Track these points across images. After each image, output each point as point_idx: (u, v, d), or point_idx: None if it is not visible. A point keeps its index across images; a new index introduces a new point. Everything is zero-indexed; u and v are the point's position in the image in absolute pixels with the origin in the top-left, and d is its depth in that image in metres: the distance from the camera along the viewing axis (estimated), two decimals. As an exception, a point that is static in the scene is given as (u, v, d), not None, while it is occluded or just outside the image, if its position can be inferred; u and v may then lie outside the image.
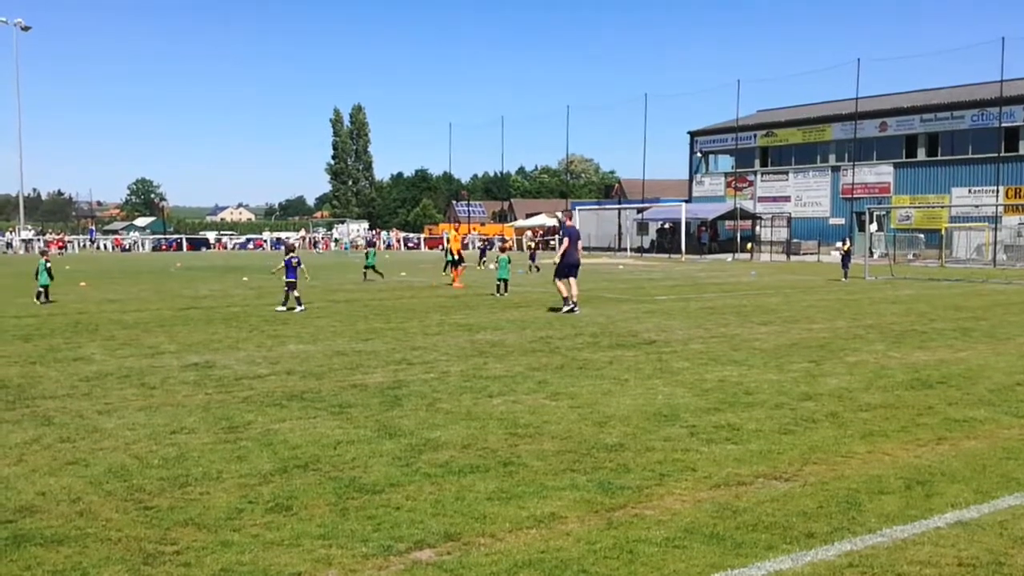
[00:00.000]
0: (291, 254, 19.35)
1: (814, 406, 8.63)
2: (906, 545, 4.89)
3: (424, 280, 30.50)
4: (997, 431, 7.64)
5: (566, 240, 18.67)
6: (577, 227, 20.14)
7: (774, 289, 25.77)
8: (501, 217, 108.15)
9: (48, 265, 21.29)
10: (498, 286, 22.89)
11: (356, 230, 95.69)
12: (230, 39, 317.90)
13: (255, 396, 9.13)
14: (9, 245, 75.86)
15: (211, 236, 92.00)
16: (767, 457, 6.73)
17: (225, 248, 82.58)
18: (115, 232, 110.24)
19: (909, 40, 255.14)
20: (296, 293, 18.76)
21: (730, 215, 60.46)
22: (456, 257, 28.16)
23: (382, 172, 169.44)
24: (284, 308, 18.52)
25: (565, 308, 18.01)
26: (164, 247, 78.99)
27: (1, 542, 4.92)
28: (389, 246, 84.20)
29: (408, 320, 16.70)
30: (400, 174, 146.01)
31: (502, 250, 24.71)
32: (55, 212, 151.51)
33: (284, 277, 18.96)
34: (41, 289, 20.89)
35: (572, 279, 18.28)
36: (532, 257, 38.08)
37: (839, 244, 37.82)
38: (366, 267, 30.75)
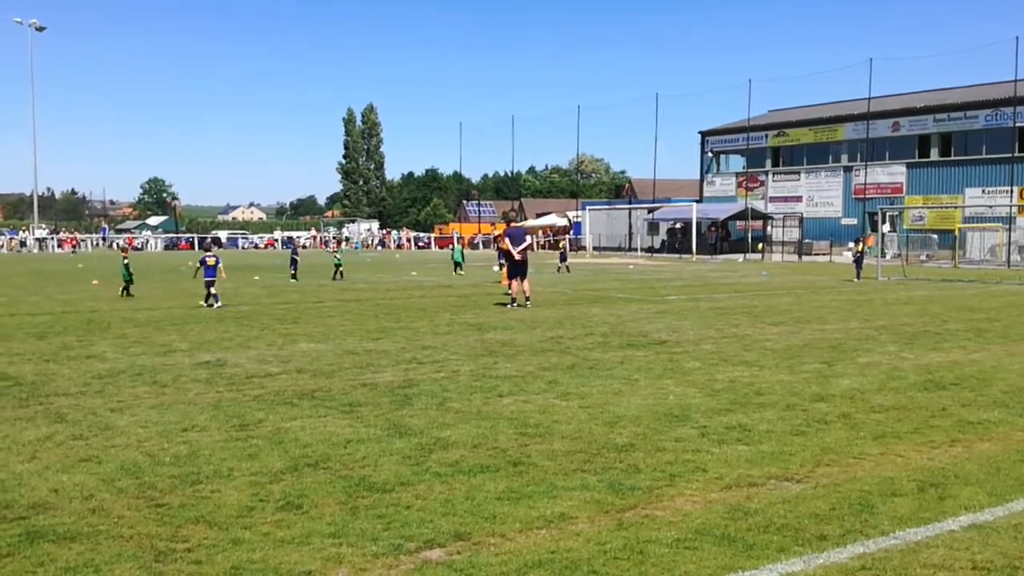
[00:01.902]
0: (207, 253, 19.91)
1: (826, 407, 8.60)
2: (919, 548, 4.86)
3: (434, 280, 30.52)
4: (1011, 433, 7.59)
5: (507, 240, 19.75)
6: (523, 229, 21.25)
7: (786, 289, 25.69)
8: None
9: (126, 261, 22.28)
10: (508, 286, 22.86)
11: (367, 229, 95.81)
12: (242, 39, 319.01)
13: (266, 394, 9.15)
14: (23, 244, 76.29)
15: (216, 235, 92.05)
16: (779, 458, 6.70)
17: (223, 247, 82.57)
18: (128, 231, 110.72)
19: (922, 40, 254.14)
20: (213, 290, 19.16)
21: (741, 215, 60.35)
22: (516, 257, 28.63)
23: (392, 171, 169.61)
24: (207, 304, 18.90)
25: (510, 304, 19.21)
26: (182, 245, 79.39)
27: (14, 538, 4.94)
28: (400, 245, 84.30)
29: (418, 319, 16.71)
30: (411, 174, 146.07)
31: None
32: (68, 211, 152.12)
33: (203, 276, 19.42)
34: (124, 284, 21.99)
35: (520, 278, 19.36)
36: (563, 258, 38.05)
37: (851, 244, 37.68)
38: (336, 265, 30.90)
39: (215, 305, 18.81)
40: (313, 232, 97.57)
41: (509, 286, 20.29)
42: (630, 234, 66.32)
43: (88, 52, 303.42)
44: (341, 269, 30.64)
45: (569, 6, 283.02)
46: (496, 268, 36.69)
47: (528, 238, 20.00)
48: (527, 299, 19.28)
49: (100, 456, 6.68)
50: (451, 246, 49.11)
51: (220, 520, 5.27)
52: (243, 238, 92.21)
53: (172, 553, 4.74)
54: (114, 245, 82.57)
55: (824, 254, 52.69)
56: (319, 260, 47.30)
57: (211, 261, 19.44)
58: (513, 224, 21.16)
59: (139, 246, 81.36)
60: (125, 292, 21.86)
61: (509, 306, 19.12)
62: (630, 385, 9.76)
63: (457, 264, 34.54)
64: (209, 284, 19.25)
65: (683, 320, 16.72)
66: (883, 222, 47.11)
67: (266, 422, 7.86)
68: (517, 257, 19.22)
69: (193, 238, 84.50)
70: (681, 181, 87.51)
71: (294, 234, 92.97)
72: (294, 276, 29.77)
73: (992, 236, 48.15)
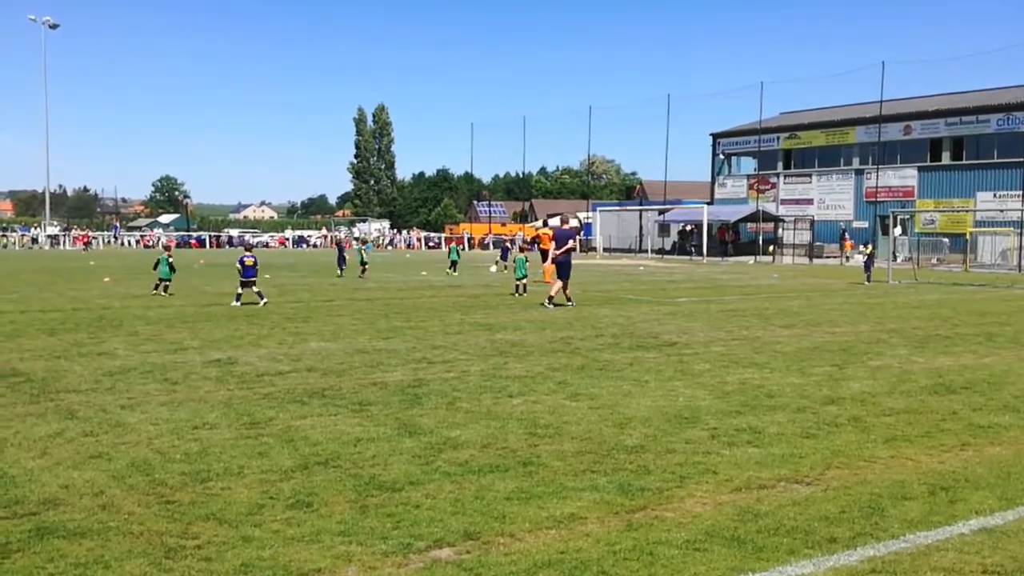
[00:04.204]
0: (246, 253, 19.90)
1: (837, 410, 8.57)
2: (929, 551, 4.84)
3: (444, 279, 30.54)
4: (1022, 437, 7.56)
5: (551, 242, 20.46)
6: (571, 232, 21.55)
7: (796, 292, 25.62)
8: (522, 218, 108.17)
9: (171, 260, 22.22)
10: (517, 287, 22.89)
11: (378, 228, 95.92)
12: (255, 38, 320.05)
13: (276, 393, 9.17)
14: (35, 240, 76.64)
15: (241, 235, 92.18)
16: (789, 461, 6.68)
17: (221, 246, 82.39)
18: (139, 229, 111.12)
19: (934, 43, 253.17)
20: (254, 289, 19.28)
21: (752, 217, 60.19)
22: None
23: (403, 171, 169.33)
24: (238, 304, 18.94)
25: (547, 303, 19.39)
26: (194, 244, 79.67)
27: (25, 534, 4.96)
28: (410, 245, 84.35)
29: (428, 319, 16.72)
30: (421, 174, 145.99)
31: (521, 250, 24.76)
32: (80, 208, 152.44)
33: (241, 276, 19.37)
34: (159, 282, 21.95)
35: (560, 278, 19.61)
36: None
37: (862, 247, 37.57)
38: (363, 263, 31.70)
39: (261, 302, 18.88)
40: (324, 231, 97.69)
41: (548, 281, 20.56)
42: (640, 235, 66.24)
43: (101, 49, 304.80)
44: (367, 266, 31.61)
45: (580, 6, 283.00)
46: (493, 269, 36.69)
47: (572, 241, 20.23)
48: (568, 300, 19.52)
49: (110, 453, 6.71)
50: (459, 245, 49.84)
51: (230, 517, 5.28)
52: (244, 237, 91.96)
53: (182, 550, 4.76)
54: (126, 242, 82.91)
55: (835, 257, 52.52)
56: (332, 260, 47.37)
57: (249, 261, 19.35)
58: (564, 226, 21.82)
59: (151, 244, 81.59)
60: (164, 289, 21.82)
61: (546, 305, 19.25)
62: (640, 386, 9.75)
63: (453, 263, 34.92)
64: (245, 284, 19.22)
65: (693, 322, 16.69)
66: (894, 225, 46.96)
67: (276, 420, 7.88)
68: (557, 257, 19.53)
69: (205, 236, 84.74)
70: (692, 183, 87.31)
71: (304, 232, 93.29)
72: (340, 273, 31.34)
73: (1003, 240, 47.91)
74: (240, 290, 19.25)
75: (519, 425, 7.77)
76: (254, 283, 19.42)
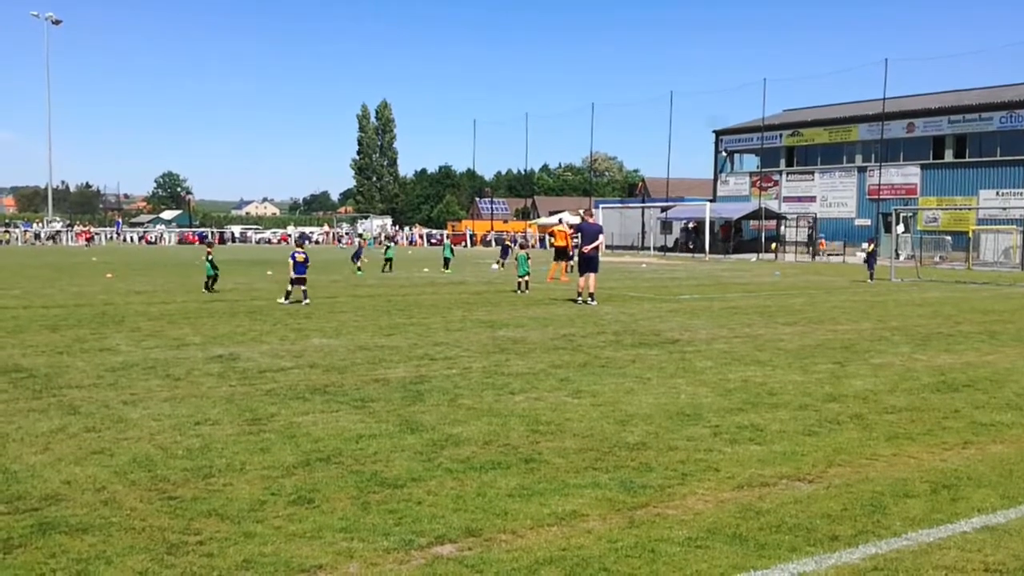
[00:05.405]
0: (297, 249, 19.34)
1: (839, 408, 8.57)
2: (931, 549, 4.83)
3: (446, 276, 30.53)
4: (1025, 436, 7.54)
5: (576, 236, 20.74)
6: (598, 226, 21.40)
7: (798, 290, 25.61)
8: (524, 215, 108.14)
9: (211, 257, 22.11)
10: (519, 284, 22.89)
11: (381, 225, 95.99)
12: (257, 35, 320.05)
13: (278, 389, 9.18)
14: (37, 236, 76.73)
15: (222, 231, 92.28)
16: (791, 458, 6.68)
17: (224, 242, 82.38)
18: (141, 225, 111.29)
19: (937, 41, 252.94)
20: (303, 287, 18.63)
21: (755, 215, 60.17)
22: (571, 253, 29.47)
23: (406, 168, 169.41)
24: (285, 301, 18.52)
25: (578, 300, 19.68)
26: (189, 238, 79.74)
27: (27, 530, 4.96)
28: (412, 242, 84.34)
29: (430, 316, 16.72)
30: (424, 170, 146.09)
31: (521, 247, 24.77)
32: (83, 204, 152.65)
33: (291, 272, 18.71)
34: (207, 279, 21.88)
35: (588, 274, 19.60)
36: (569, 256, 38.11)
37: (864, 245, 37.55)
38: (387, 259, 33.30)
39: (303, 301, 18.28)
40: (325, 228, 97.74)
41: (554, 276, 20.51)
42: (643, 233, 66.21)
43: (104, 46, 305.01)
44: (391, 262, 32.94)
45: (583, 4, 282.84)
46: (495, 267, 36.65)
47: (601, 237, 20.25)
48: (591, 295, 19.41)
49: (113, 448, 6.71)
50: (454, 244, 50.22)
51: (232, 513, 5.29)
52: (255, 232, 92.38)
53: (184, 546, 4.76)
54: (128, 238, 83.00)
55: (837, 255, 52.50)
56: (334, 256, 47.40)
57: (300, 257, 18.71)
58: (590, 220, 22.00)
59: (153, 240, 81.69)
60: (211, 286, 21.67)
61: (577, 301, 19.41)
62: (642, 384, 9.74)
63: (447, 260, 35.05)
64: (297, 281, 18.52)
65: (695, 319, 16.68)
66: (897, 223, 46.91)
67: (278, 416, 7.88)
68: (589, 253, 19.53)
69: (206, 233, 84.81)
70: (694, 180, 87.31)
71: (306, 229, 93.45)
72: (359, 269, 31.76)
73: (1006, 238, 47.88)
74: (290, 287, 18.70)
75: (521, 422, 7.77)
76: (304, 280, 18.68)
